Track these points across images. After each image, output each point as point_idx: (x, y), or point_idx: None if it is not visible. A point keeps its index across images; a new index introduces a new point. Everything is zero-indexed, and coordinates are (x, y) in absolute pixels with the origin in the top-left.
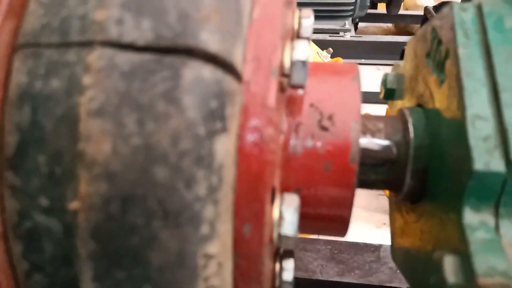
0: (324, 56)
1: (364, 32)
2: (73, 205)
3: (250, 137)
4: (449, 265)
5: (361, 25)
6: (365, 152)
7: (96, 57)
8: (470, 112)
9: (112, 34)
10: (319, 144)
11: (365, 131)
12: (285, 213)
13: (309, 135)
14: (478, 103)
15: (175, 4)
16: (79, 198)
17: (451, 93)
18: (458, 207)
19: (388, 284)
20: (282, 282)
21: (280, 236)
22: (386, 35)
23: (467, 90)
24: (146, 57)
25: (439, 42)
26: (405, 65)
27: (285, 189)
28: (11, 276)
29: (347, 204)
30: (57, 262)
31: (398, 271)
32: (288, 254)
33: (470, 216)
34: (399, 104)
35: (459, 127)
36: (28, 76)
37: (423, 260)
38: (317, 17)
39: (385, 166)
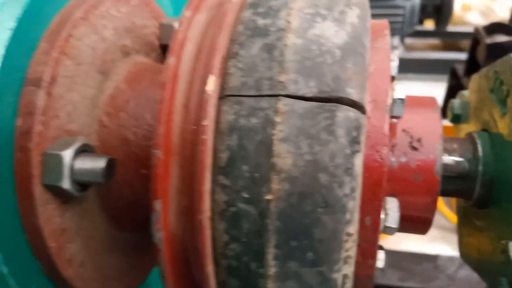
0: None
1: (411, 47)
2: (268, 197)
3: (372, 156)
4: None
5: (408, 41)
6: (444, 167)
7: (282, 104)
8: None
9: (291, 89)
10: (410, 160)
11: (444, 151)
12: (389, 211)
13: (403, 154)
14: None
15: (330, 71)
16: (271, 193)
17: None
18: None
19: None
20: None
21: (385, 227)
22: (433, 50)
23: None
24: (313, 104)
25: (501, 82)
26: (470, 96)
27: (386, 194)
28: (212, 247)
29: (431, 208)
30: (250, 235)
31: (454, 278)
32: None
33: None
34: (464, 127)
35: None
36: (235, 116)
37: (490, 252)
38: None
39: (459, 178)
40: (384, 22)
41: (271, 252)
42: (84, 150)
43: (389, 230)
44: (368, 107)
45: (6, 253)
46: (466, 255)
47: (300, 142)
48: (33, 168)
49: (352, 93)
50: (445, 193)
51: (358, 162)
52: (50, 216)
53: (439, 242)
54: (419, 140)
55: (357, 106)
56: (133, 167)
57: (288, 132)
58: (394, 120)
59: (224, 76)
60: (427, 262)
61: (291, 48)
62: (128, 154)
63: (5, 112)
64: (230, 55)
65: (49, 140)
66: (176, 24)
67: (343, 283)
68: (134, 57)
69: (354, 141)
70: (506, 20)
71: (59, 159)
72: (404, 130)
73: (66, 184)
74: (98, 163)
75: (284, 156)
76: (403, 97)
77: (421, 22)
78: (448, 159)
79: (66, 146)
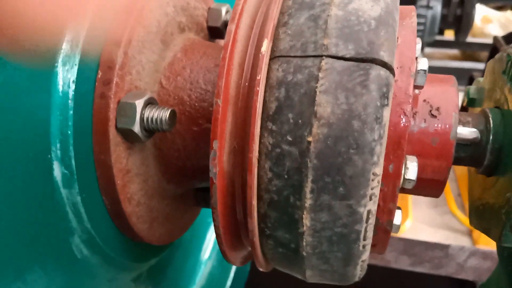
0: None
1: (430, 57)
2: (308, 138)
3: (398, 112)
4: None
5: (427, 50)
6: (459, 136)
7: (324, 63)
8: None
9: (332, 51)
10: (429, 126)
11: (459, 122)
12: (409, 165)
13: (423, 120)
14: None
15: (366, 37)
16: (312, 135)
17: None
18: None
19: (455, 276)
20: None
21: (404, 179)
22: (452, 60)
23: None
24: (350, 63)
25: None
26: (485, 80)
27: (407, 151)
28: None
29: (446, 170)
30: (291, 171)
31: (464, 266)
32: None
33: None
34: (478, 110)
35: None
36: (283, 72)
37: (496, 210)
38: None
39: (471, 146)
40: (412, 7)
41: (308, 186)
42: (151, 103)
43: (408, 183)
44: (395, 72)
45: (81, 184)
46: (475, 220)
47: (338, 94)
48: (110, 113)
49: (383, 55)
50: (458, 161)
51: (386, 114)
52: (119, 157)
53: (451, 243)
54: (437, 109)
55: (388, 67)
56: (186, 123)
57: (328, 86)
58: (416, 91)
59: (275, 41)
60: (439, 250)
61: (333, 18)
62: (183, 112)
63: (90, 64)
64: (280, 24)
65: (123, 91)
66: (223, 9)
67: (368, 218)
68: (187, 33)
69: (384, 96)
70: None
71: (133, 107)
72: (424, 100)
73: (136, 128)
74: (163, 113)
75: (324, 105)
76: (425, 68)
77: (441, 32)
78: (462, 129)
79: (138, 97)
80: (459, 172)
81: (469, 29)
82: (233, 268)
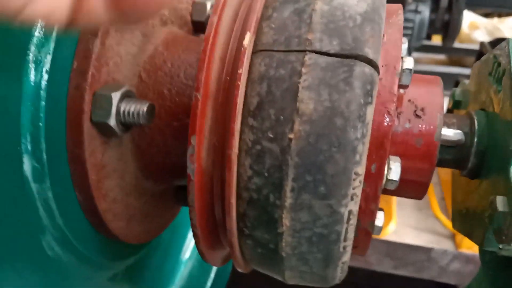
0: None
1: (417, 61)
2: (290, 135)
3: (382, 111)
4: (500, 201)
5: (414, 55)
6: (443, 137)
7: (308, 58)
8: None
9: (316, 46)
10: (414, 126)
11: (444, 124)
12: (392, 166)
13: (407, 120)
14: None
15: (351, 32)
16: (293, 132)
17: (505, 97)
18: (507, 168)
19: (437, 280)
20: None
21: (387, 180)
22: (439, 65)
23: None
24: (334, 59)
25: (499, 64)
26: (470, 82)
27: (390, 152)
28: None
29: (429, 172)
30: (272, 169)
31: (446, 270)
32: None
33: None
34: (463, 112)
35: (510, 116)
36: (265, 67)
37: (479, 214)
38: None
39: (456, 148)
40: (399, 5)
41: (288, 185)
42: (128, 96)
43: (390, 183)
44: (380, 70)
45: (52, 179)
46: (458, 224)
47: (321, 90)
48: (85, 105)
49: (368, 52)
50: (442, 163)
51: (370, 112)
52: (93, 151)
53: (435, 247)
54: (422, 110)
55: (372, 64)
56: (166, 119)
57: (311, 82)
58: (401, 91)
59: (258, 34)
60: (421, 253)
61: (318, 13)
62: (162, 107)
63: (65, 54)
64: (264, 18)
65: (99, 83)
66: (208, 3)
67: (349, 218)
68: (170, 26)
69: (368, 93)
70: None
71: (109, 99)
72: (409, 100)
73: (112, 121)
74: (141, 106)
75: (307, 102)
76: (410, 67)
77: (429, 37)
78: (447, 130)
79: (114, 89)
80: (443, 176)
81: (456, 35)
82: (214, 268)
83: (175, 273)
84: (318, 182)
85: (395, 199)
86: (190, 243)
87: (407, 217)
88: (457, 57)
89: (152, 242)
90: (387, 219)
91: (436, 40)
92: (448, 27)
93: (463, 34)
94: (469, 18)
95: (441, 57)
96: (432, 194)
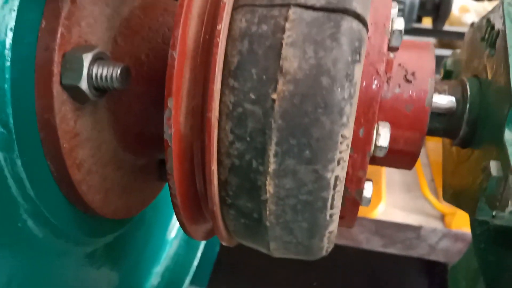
0: None
1: None
2: (273, 96)
3: (370, 72)
4: (493, 165)
5: (405, 37)
6: (434, 104)
7: (292, 12)
8: None
9: (301, 0)
10: (404, 91)
11: (435, 90)
12: (381, 131)
13: (397, 85)
14: None
15: None
16: (277, 93)
17: (499, 60)
18: (501, 132)
19: (426, 257)
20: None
21: (376, 146)
22: None
23: (511, 55)
24: (320, 14)
25: (492, 27)
26: (462, 51)
27: (379, 118)
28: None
29: (419, 140)
30: (254, 133)
31: (435, 248)
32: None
33: (509, 135)
34: None
35: (504, 80)
36: (247, 23)
37: (470, 182)
38: None
39: (447, 116)
40: None
41: (272, 149)
42: (101, 58)
43: (379, 150)
44: (369, 29)
45: (21, 146)
46: (448, 195)
47: (306, 47)
48: (54, 67)
49: (356, 7)
50: (432, 132)
51: (358, 71)
52: (65, 117)
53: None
54: (413, 74)
55: (361, 19)
56: (144, 85)
57: (296, 38)
58: (391, 54)
59: None
60: (411, 231)
61: None
62: (140, 72)
63: (32, 11)
64: None
65: (70, 44)
66: None
67: (335, 184)
68: None
69: (356, 51)
70: None
71: (79, 60)
72: (399, 65)
73: (84, 85)
74: (114, 69)
75: (291, 60)
76: (401, 28)
77: (419, 19)
78: (438, 97)
79: (86, 50)
80: (433, 158)
81: (447, 17)
82: (201, 247)
83: (160, 252)
84: (303, 146)
85: (384, 180)
86: (176, 222)
87: (397, 198)
88: (447, 40)
89: (134, 219)
90: (376, 200)
91: (427, 23)
92: (438, 9)
93: (454, 17)
94: (459, 1)
95: (432, 40)
96: (422, 175)
